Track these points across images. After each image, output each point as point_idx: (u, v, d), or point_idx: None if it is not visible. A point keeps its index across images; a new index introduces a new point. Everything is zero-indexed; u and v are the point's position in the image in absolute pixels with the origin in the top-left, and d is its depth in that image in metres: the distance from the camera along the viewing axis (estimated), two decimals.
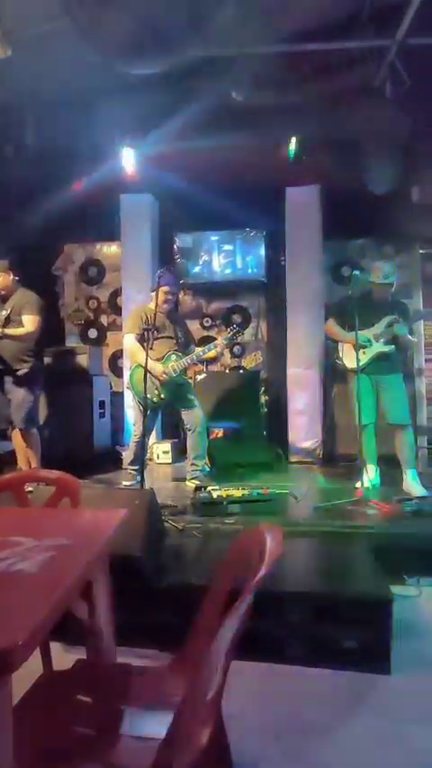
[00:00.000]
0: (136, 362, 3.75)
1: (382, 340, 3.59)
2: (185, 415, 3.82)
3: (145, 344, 3.51)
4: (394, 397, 3.63)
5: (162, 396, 3.71)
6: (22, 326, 3.63)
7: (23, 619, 0.82)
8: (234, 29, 3.15)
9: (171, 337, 3.80)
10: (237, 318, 5.74)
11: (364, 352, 3.55)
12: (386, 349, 3.58)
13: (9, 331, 3.57)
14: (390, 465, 3.76)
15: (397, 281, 3.68)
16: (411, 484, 3.55)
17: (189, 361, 3.76)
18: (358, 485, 3.45)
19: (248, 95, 3.76)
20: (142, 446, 3.67)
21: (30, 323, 3.62)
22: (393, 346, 3.60)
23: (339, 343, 3.76)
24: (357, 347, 3.45)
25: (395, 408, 3.61)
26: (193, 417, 3.81)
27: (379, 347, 3.59)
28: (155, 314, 3.58)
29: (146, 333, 3.55)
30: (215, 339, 5.56)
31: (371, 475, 3.66)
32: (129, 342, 3.80)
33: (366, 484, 3.50)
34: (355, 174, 4.33)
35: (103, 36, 2.77)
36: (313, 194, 4.96)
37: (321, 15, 3.42)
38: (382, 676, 1.96)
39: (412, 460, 3.62)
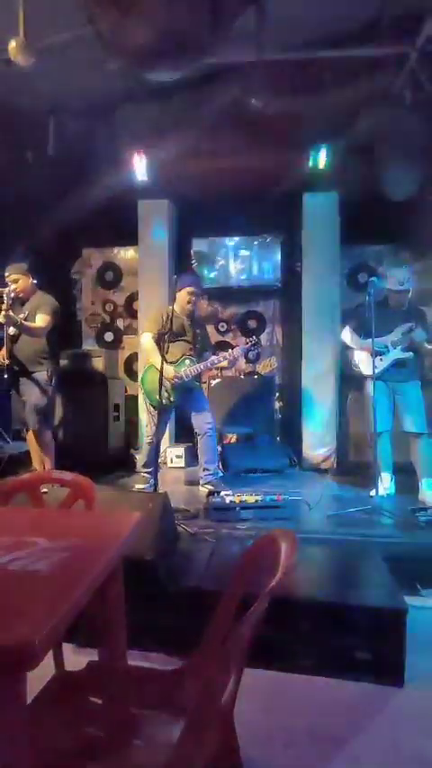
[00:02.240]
0: (149, 363, 3.77)
1: (399, 347, 3.56)
2: (195, 420, 3.83)
3: (161, 346, 3.52)
4: (411, 405, 3.59)
5: (172, 399, 3.71)
6: None
7: (39, 618, 0.83)
8: (254, 35, 3.16)
9: (188, 341, 3.80)
10: (252, 324, 5.74)
11: (381, 359, 3.53)
12: (404, 356, 3.56)
13: (22, 321, 3.60)
14: (406, 474, 3.71)
15: (413, 288, 3.66)
16: (428, 493, 3.51)
17: (202, 368, 3.75)
18: (373, 493, 3.41)
19: (267, 102, 3.77)
20: (155, 449, 3.69)
21: (40, 320, 3.65)
22: (411, 353, 3.57)
23: (356, 351, 3.74)
24: (374, 354, 3.44)
25: (412, 416, 3.57)
26: (202, 422, 3.81)
27: (396, 354, 3.56)
28: (172, 316, 3.57)
29: (163, 335, 3.56)
30: (230, 344, 5.59)
31: (386, 483, 3.62)
32: (145, 341, 3.78)
33: (381, 492, 3.46)
34: (374, 180, 4.31)
35: (124, 43, 2.80)
36: (331, 200, 4.95)
37: (340, 22, 3.42)
38: (394, 689, 1.93)
39: (429, 469, 3.57)
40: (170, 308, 3.71)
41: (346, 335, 3.81)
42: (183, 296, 3.69)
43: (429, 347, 3.66)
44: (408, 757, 1.61)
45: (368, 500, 3.36)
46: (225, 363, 3.87)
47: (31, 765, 0.85)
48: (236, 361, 3.88)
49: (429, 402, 4.75)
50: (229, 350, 3.88)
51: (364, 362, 3.63)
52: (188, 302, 3.70)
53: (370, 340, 3.42)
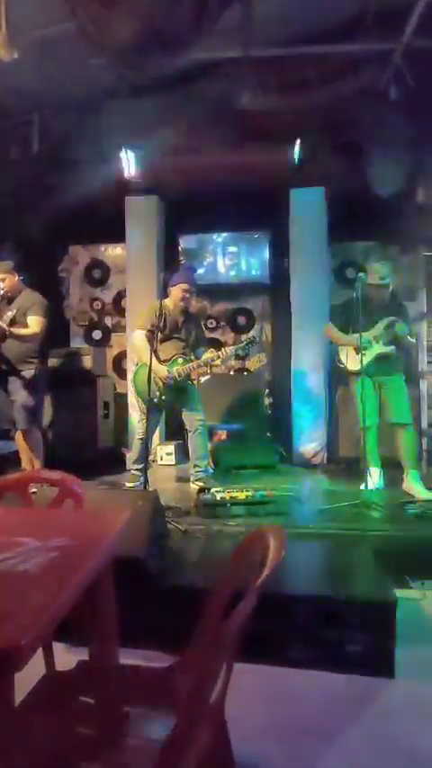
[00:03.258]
0: (141, 362, 3.70)
1: (381, 341, 3.58)
2: (186, 417, 3.81)
3: (152, 343, 3.48)
4: (395, 397, 3.61)
5: (164, 397, 3.69)
6: (27, 327, 3.64)
7: (27, 619, 0.82)
8: (238, 31, 3.15)
9: (181, 339, 3.77)
10: (241, 320, 5.74)
11: (364, 354, 3.54)
12: (386, 350, 3.58)
13: (15, 330, 3.59)
14: (394, 467, 3.73)
15: (395, 282, 3.68)
16: (413, 485, 3.53)
17: (195, 367, 3.71)
18: (362, 487, 3.44)
19: (253, 98, 3.77)
20: (145, 446, 3.67)
21: (35, 324, 3.63)
22: (393, 347, 3.60)
23: (340, 346, 3.75)
24: (360, 349, 3.45)
25: (396, 408, 3.59)
26: (193, 419, 3.79)
27: (379, 348, 3.59)
28: (165, 313, 3.52)
29: (155, 332, 3.48)
30: (219, 341, 5.59)
31: (375, 477, 3.64)
32: (138, 338, 3.67)
33: (371, 486, 3.48)
34: (360, 176, 4.33)
35: (107, 39, 2.78)
36: (318, 196, 4.95)
37: (325, 18, 3.42)
38: (385, 680, 1.95)
39: (414, 461, 3.60)
40: (162, 303, 3.65)
41: (329, 332, 3.82)
42: (176, 292, 3.64)
43: (411, 340, 3.69)
44: (399, 748, 1.63)
45: (358, 494, 3.38)
46: (218, 362, 3.81)
47: (20, 766, 0.84)
48: (229, 359, 3.80)
49: (415, 396, 4.80)
50: (222, 349, 3.81)
51: (348, 358, 3.65)
52: (182, 299, 3.66)
53: (353, 336, 3.43)
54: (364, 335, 3.53)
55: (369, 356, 3.57)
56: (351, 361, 3.61)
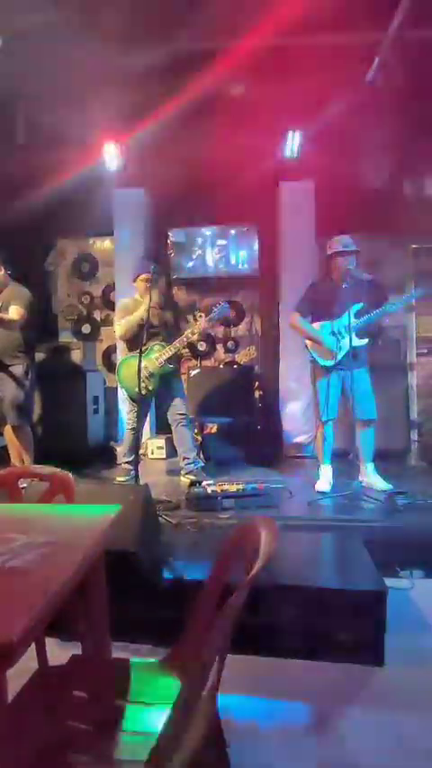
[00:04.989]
0: (122, 357, 3.86)
1: (354, 331, 3.37)
2: (169, 410, 3.85)
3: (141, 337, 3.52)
4: (364, 392, 3.49)
5: (150, 387, 3.71)
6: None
7: (18, 615, 0.82)
8: (227, 20, 3.12)
9: (155, 327, 3.77)
10: (230, 314, 5.72)
11: (339, 348, 3.44)
12: (362, 343, 3.46)
13: None
14: (380, 459, 3.73)
15: (357, 250, 3.51)
16: (375, 476, 3.54)
17: (173, 349, 3.73)
18: (318, 488, 3.47)
19: (241, 89, 3.74)
20: (135, 440, 3.69)
21: (14, 312, 3.60)
22: (367, 340, 3.48)
23: (306, 340, 3.61)
24: (337, 349, 3.40)
25: (365, 403, 3.48)
26: (175, 412, 3.82)
27: (354, 342, 3.37)
28: (134, 307, 3.59)
29: (141, 327, 3.53)
30: (209, 334, 5.58)
31: (328, 476, 3.59)
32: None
33: (325, 488, 3.49)
34: (349, 168, 4.32)
35: (95, 26, 2.74)
36: (307, 189, 4.95)
37: (314, 7, 3.40)
38: (375, 668, 1.98)
39: (372, 455, 3.60)
40: (135, 298, 3.73)
41: (295, 324, 3.61)
42: (140, 284, 3.69)
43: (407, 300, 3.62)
44: (389, 734, 1.65)
45: (348, 485, 3.40)
46: (195, 337, 3.85)
47: (14, 760, 0.84)
48: (207, 327, 3.82)
49: (404, 388, 4.83)
50: (194, 322, 3.89)
51: (316, 351, 3.53)
52: (145, 290, 3.69)
53: (319, 325, 3.38)
54: (335, 325, 3.42)
55: (344, 350, 3.39)
56: (317, 352, 3.49)
